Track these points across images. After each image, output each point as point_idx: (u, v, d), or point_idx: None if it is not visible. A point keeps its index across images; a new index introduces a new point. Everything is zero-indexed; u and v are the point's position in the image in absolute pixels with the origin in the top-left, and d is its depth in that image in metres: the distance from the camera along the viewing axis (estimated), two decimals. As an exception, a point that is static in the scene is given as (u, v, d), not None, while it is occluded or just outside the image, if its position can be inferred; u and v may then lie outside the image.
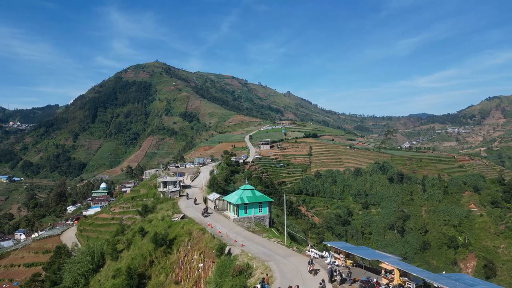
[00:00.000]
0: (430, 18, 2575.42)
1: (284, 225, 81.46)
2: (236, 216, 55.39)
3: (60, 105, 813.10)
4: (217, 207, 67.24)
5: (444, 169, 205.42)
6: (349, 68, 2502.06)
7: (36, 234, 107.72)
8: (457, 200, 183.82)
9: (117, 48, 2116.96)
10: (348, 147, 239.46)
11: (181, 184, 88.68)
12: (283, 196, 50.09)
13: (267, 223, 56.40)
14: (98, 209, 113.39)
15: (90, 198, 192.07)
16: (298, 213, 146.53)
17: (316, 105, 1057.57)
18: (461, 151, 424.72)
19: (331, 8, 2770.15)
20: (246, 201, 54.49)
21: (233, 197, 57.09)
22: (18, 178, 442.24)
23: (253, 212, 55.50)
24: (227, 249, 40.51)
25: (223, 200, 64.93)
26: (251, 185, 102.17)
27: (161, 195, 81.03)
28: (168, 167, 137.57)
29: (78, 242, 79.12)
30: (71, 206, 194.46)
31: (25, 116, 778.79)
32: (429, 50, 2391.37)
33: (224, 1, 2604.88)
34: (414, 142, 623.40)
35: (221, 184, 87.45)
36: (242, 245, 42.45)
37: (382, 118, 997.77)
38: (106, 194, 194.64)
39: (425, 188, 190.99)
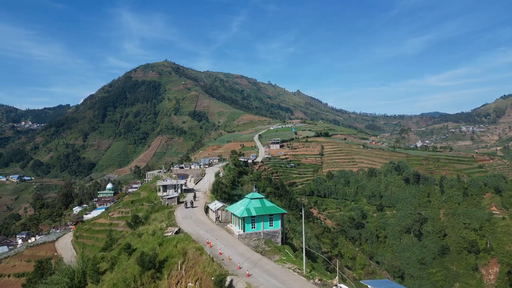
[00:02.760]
0: (441, 16, 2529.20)
1: (298, 236, 73.76)
2: (241, 232, 46.27)
3: (71, 105, 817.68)
4: (220, 219, 56.67)
5: (463, 169, 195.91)
6: (359, 67, 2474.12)
7: (33, 239, 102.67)
8: (478, 202, 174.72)
9: (128, 48, 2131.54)
10: (361, 147, 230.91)
11: (183, 187, 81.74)
12: (301, 212, 41.66)
13: (279, 239, 47.09)
14: (103, 211, 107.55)
15: (96, 199, 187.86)
16: (310, 216, 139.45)
17: (326, 104, 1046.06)
18: (477, 151, 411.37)
19: (340, 7, 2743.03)
20: (254, 213, 44.85)
21: (238, 208, 47.40)
22: (29, 178, 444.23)
23: (262, 227, 45.94)
24: (228, 280, 32.17)
25: (226, 210, 54.99)
26: (260, 190, 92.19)
27: (161, 201, 72.56)
28: (171, 168, 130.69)
29: (73, 251, 73.53)
30: (77, 207, 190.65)
31: (37, 116, 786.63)
32: (440, 49, 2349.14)
33: (233, 1, 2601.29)
34: (427, 141, 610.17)
35: (226, 189, 79.33)
36: (248, 275, 34.05)
37: (394, 117, 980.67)
38: (112, 195, 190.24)
39: (443, 190, 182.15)
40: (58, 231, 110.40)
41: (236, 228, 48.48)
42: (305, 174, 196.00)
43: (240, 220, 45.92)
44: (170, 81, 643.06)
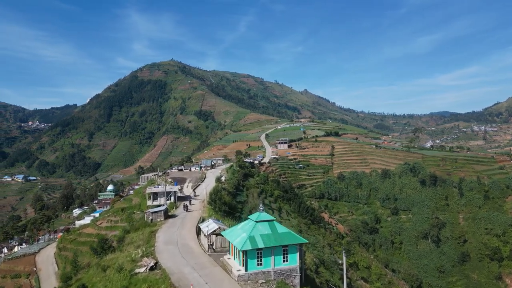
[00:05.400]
0: (450, 15, 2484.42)
1: (312, 249, 64.20)
2: (242, 271, 32.18)
3: (78, 105, 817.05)
4: (214, 246, 41.23)
5: (483, 170, 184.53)
6: (367, 66, 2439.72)
7: (17, 249, 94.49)
8: (500, 206, 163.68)
9: (136, 49, 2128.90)
10: (374, 147, 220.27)
11: (177, 195, 70.26)
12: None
13: (297, 280, 32.56)
14: (92, 218, 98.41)
15: (96, 201, 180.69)
16: (321, 221, 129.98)
17: (334, 103, 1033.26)
18: (489, 150, 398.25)
19: (348, 6, 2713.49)
20: (261, 245, 30.79)
21: (238, 235, 33.05)
22: (34, 178, 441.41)
23: (273, 263, 31.56)
24: None
25: (222, 235, 39.22)
26: (267, 194, 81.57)
27: (144, 215, 58.24)
28: (168, 170, 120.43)
29: (55, 265, 64.59)
30: (77, 209, 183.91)
31: (44, 116, 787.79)
32: (449, 47, 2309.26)
33: (241, 1, 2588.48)
34: (437, 141, 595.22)
35: (227, 199, 65.24)
36: None
37: (403, 117, 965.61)
38: (113, 196, 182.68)
39: (462, 192, 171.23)
40: (51, 236, 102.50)
41: (235, 264, 34.05)
42: (314, 175, 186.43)
43: (241, 253, 31.53)
44: (176, 80, 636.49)
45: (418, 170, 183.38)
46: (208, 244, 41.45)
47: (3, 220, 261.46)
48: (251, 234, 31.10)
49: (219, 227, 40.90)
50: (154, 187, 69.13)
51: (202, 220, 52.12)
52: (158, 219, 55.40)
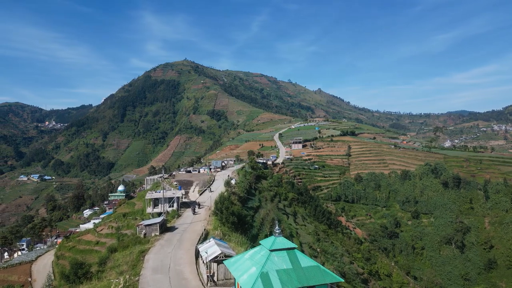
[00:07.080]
0: (468, 12, 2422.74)
1: (331, 260, 57.81)
2: None
3: (93, 105, 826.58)
4: (215, 278, 31.14)
5: (510, 172, 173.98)
6: (381, 65, 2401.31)
7: (17, 255, 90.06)
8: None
9: (150, 50, 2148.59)
10: (392, 147, 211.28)
11: (181, 200, 63.05)
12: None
13: None
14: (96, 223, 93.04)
15: (107, 202, 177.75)
16: (338, 225, 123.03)
17: (348, 102, 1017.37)
18: (511, 150, 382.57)
19: (362, 5, 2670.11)
20: (278, 286, 19.72)
21: (246, 269, 21.96)
22: (49, 177, 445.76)
23: None
24: None
25: (223, 263, 27.33)
26: (281, 197, 76.14)
27: (139, 233, 48.67)
28: (175, 172, 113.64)
29: (52, 275, 60.17)
30: (87, 210, 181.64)
31: (61, 116, 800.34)
32: (467, 45, 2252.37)
33: (254, 1, 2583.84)
34: (456, 141, 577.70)
35: (235, 208, 56.26)
36: None
37: (419, 116, 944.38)
38: (124, 197, 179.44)
39: (488, 195, 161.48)
40: (53, 241, 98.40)
41: None
42: (330, 176, 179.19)
43: None
44: (189, 80, 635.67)
45: (440, 171, 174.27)
46: (208, 275, 31.45)
47: (18, 220, 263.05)
48: (263, 270, 20.88)
49: (222, 252, 30.95)
50: (155, 192, 62.64)
51: (205, 235, 44.30)
52: (153, 234, 47.04)
